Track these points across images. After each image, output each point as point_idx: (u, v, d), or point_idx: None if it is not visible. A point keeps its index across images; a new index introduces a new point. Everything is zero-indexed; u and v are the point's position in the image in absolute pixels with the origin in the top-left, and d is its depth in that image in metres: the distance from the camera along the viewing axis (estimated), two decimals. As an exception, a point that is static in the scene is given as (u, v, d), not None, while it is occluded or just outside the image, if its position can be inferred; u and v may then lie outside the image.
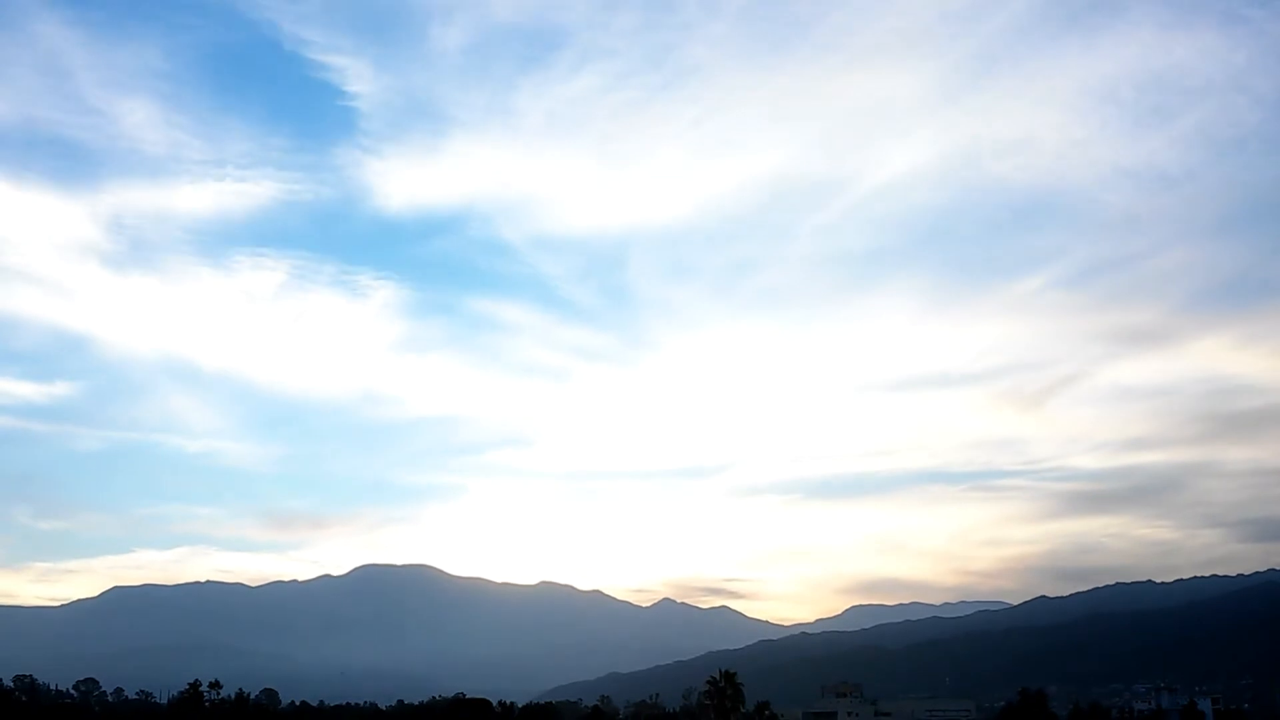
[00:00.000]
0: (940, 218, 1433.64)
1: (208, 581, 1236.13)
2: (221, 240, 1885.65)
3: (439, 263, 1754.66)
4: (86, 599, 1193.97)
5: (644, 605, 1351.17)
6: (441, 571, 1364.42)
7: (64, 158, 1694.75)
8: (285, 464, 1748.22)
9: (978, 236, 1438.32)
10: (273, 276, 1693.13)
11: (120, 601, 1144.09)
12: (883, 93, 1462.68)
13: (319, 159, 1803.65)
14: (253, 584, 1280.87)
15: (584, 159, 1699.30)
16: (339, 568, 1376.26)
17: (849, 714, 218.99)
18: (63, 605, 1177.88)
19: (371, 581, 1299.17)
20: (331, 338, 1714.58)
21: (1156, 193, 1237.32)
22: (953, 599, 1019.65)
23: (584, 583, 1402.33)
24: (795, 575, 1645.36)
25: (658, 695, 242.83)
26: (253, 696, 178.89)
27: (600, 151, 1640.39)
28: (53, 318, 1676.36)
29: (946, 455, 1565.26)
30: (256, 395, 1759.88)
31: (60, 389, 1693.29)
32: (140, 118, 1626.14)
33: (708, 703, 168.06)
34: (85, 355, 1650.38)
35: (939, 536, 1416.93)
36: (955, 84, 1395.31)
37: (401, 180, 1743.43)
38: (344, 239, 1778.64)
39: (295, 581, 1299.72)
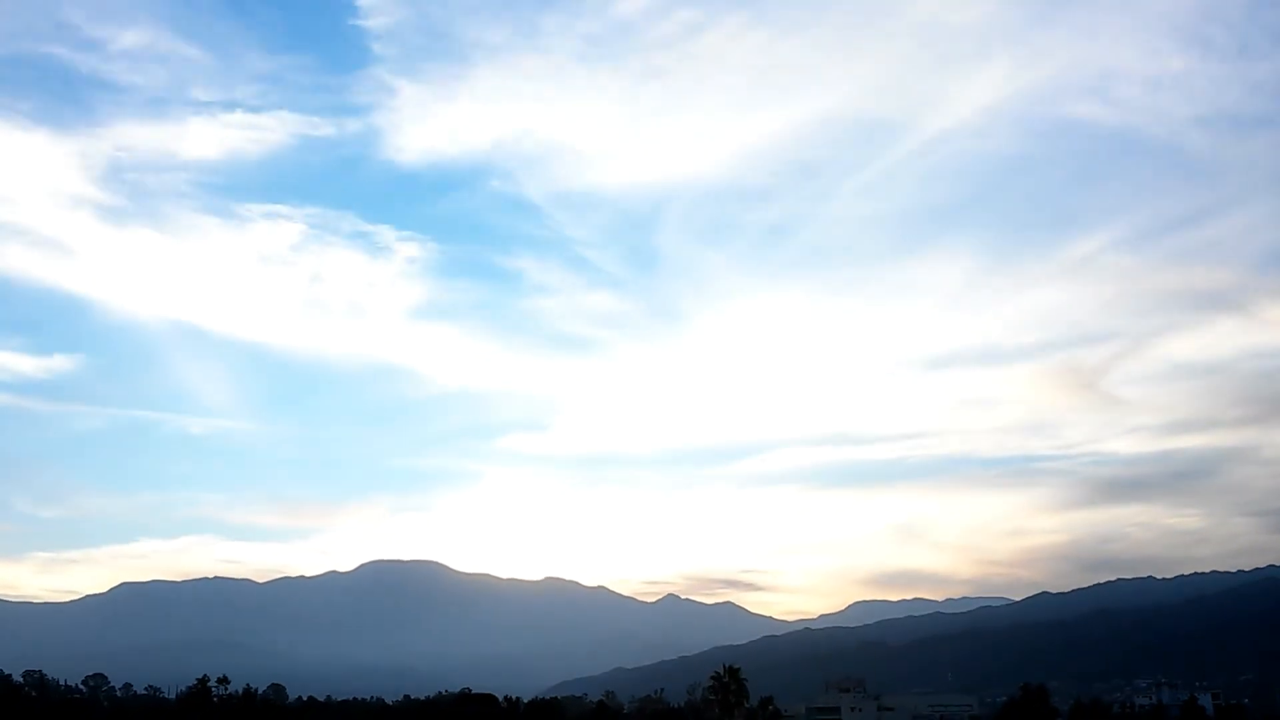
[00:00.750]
0: (999, 167, 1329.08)
1: (215, 577, 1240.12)
2: (231, 190, 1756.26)
3: (459, 220, 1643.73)
4: (95, 594, 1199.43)
5: (649, 601, 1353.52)
6: (448, 567, 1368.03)
7: (56, 94, 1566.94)
8: (296, 445, 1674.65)
9: (1038, 189, 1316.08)
10: (288, 231, 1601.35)
11: (129, 597, 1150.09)
12: (951, 25, 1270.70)
13: (336, 98, 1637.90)
14: (260, 579, 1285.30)
15: (618, 100, 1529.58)
16: (346, 563, 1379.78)
17: (852, 709, 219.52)
18: (72, 601, 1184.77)
19: (378, 577, 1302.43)
20: (349, 301, 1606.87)
21: (1236, 141, 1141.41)
22: (970, 592, 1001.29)
23: (589, 579, 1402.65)
24: (809, 568, 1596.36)
25: (662, 690, 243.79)
26: (260, 692, 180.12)
27: (635, 94, 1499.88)
28: (45, 279, 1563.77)
29: (979, 440, 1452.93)
30: (268, 366, 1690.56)
31: (58, 363, 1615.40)
32: (140, 47, 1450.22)
33: (712, 698, 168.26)
34: (83, 322, 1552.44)
35: (960, 527, 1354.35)
36: (1028, 16, 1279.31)
37: (421, 128, 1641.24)
38: (362, 190, 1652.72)
39: (303, 577, 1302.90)
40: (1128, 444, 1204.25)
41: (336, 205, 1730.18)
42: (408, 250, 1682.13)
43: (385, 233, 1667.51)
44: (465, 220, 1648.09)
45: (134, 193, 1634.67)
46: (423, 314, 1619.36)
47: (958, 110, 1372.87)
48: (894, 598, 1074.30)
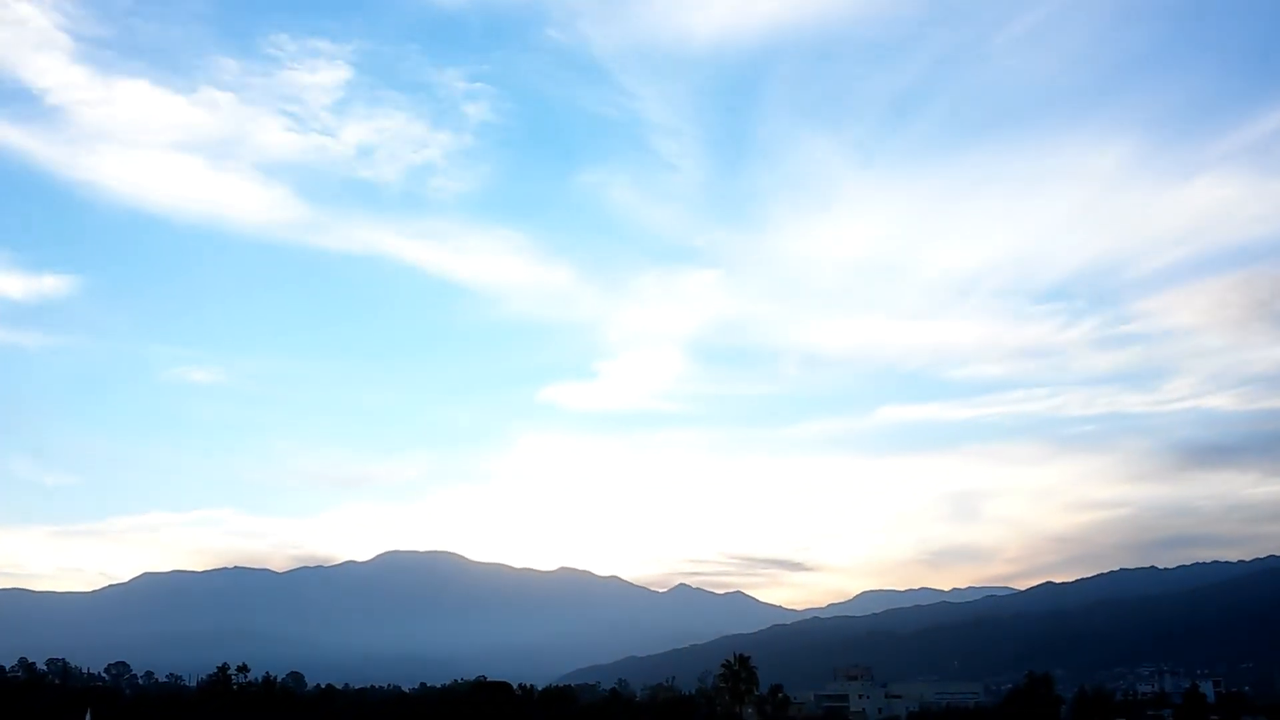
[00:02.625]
0: (1190, 9, 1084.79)
1: (235, 567, 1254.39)
2: (251, 10, 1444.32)
3: (507, 77, 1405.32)
4: (118, 584, 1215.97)
5: (660, 590, 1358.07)
6: (463, 557, 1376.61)
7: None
8: (328, 390, 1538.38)
9: (1229, 43, 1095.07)
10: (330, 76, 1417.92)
11: (150, 587, 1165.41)
12: None
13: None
14: (279, 570, 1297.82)
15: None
16: (364, 553, 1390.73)
17: (860, 696, 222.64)
18: (95, 591, 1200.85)
19: (395, 567, 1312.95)
20: (399, 183, 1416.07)
21: None
22: (1020, 569, 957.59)
23: (602, 568, 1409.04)
24: (856, 545, 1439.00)
25: (673, 678, 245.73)
26: (279, 680, 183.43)
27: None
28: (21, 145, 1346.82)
29: (1067, 394, 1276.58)
30: (302, 271, 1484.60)
31: (49, 284, 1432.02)
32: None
33: (723, 685, 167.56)
34: (73, 216, 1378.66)
35: (1018, 498, 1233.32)
36: None
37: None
38: (419, 19, 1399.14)
39: (321, 567, 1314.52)
40: (1232, 400, 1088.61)
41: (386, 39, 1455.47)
42: (473, 111, 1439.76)
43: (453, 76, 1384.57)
44: (513, 80, 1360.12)
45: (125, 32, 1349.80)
46: (475, 215, 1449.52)
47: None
48: (909, 586, 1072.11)
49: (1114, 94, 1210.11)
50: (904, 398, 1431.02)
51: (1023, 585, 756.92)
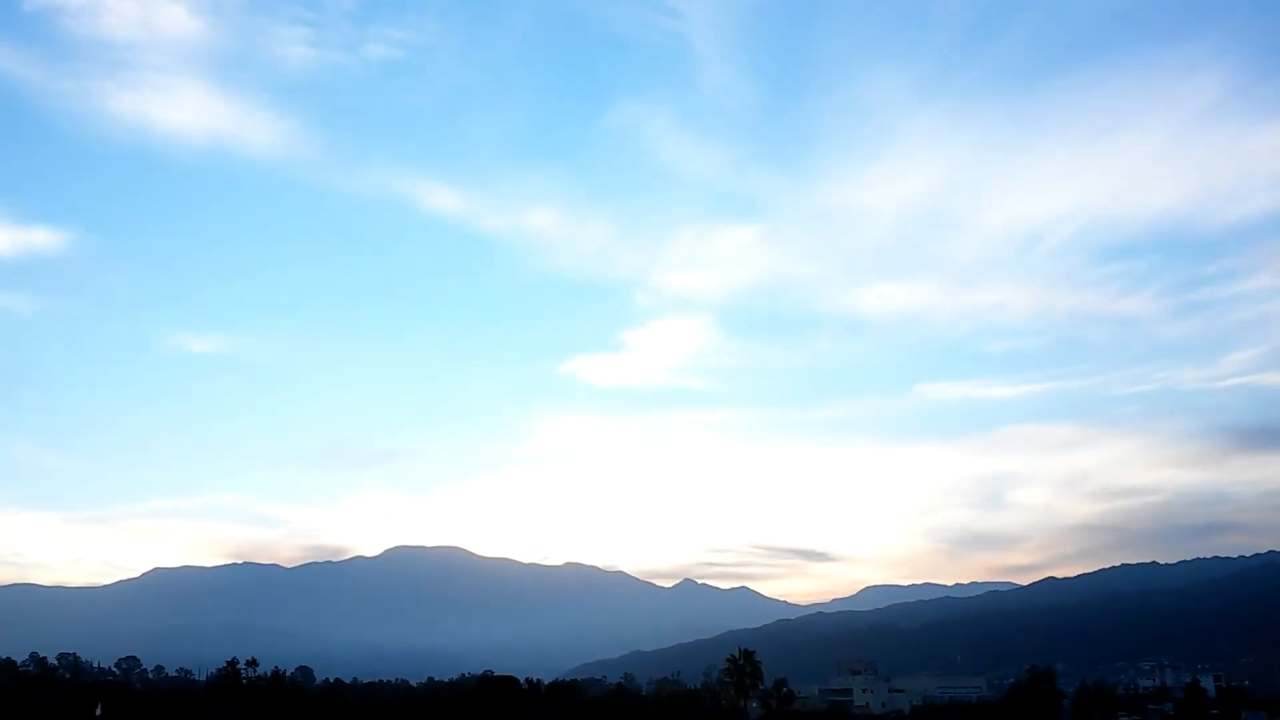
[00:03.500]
0: None
1: (244, 563, 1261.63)
2: None
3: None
4: (129, 580, 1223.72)
5: (666, 586, 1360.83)
6: (470, 553, 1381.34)
7: None
8: (338, 360, 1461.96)
9: None
10: None
11: (161, 582, 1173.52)
12: None
13: None
14: (288, 565, 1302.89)
15: None
16: (372, 549, 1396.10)
17: (864, 691, 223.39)
18: (105, 586, 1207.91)
19: (403, 563, 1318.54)
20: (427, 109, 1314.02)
21: None
22: (1046, 558, 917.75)
23: (607, 563, 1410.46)
24: (880, 534, 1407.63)
25: (679, 673, 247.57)
26: (288, 674, 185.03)
27: None
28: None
29: (1115, 370, 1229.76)
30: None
31: (41, 239, 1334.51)
32: None
33: (728, 680, 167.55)
34: (64, 152, 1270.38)
35: (1046, 485, 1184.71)
36: None
37: None
38: None
39: (329, 563, 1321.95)
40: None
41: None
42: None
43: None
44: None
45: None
46: (498, 152, 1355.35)
47: None
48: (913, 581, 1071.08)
49: (1211, 17, 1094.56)
50: (942, 373, 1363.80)
51: (1026, 580, 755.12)
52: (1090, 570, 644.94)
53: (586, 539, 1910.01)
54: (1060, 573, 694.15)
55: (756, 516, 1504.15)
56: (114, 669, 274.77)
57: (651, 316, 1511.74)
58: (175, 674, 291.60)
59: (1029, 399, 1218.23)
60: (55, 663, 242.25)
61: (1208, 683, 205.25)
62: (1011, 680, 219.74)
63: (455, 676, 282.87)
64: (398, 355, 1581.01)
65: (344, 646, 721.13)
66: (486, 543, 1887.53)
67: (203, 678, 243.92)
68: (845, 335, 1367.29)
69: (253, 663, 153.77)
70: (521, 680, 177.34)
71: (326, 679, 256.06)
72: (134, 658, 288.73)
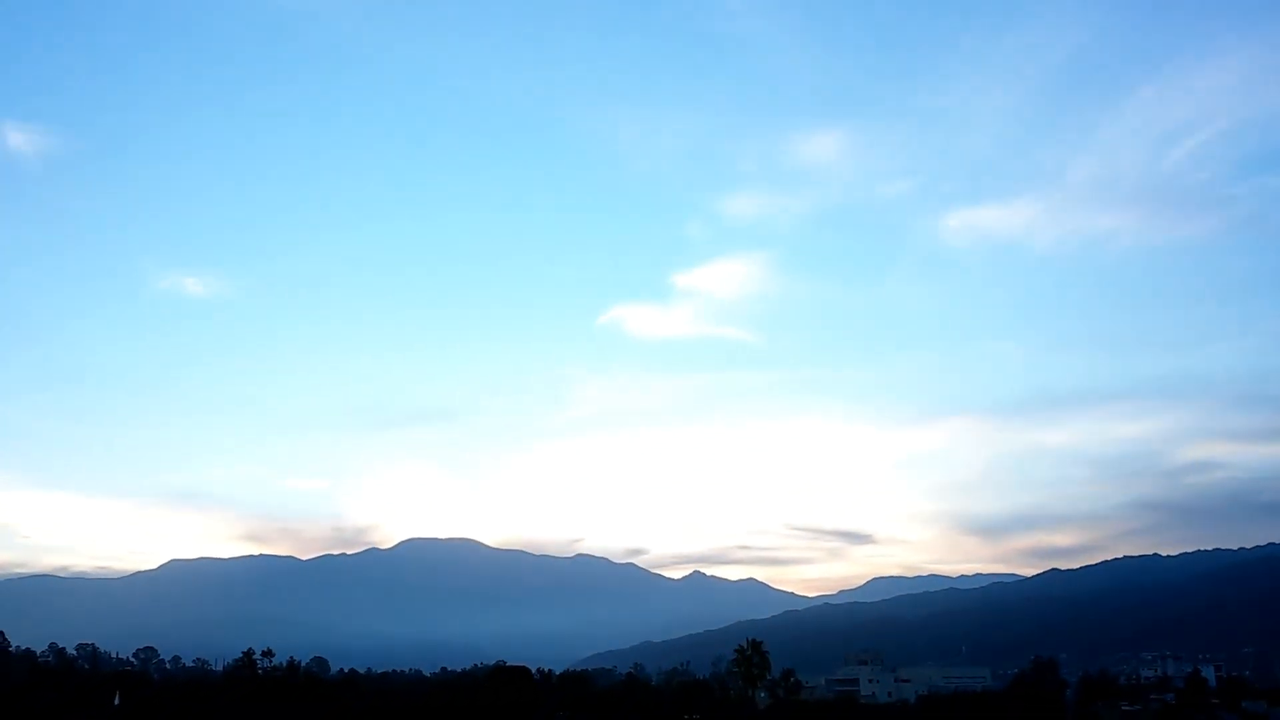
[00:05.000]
0: None
1: (260, 555, 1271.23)
2: None
3: None
4: (146, 571, 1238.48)
5: (675, 577, 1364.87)
6: (482, 544, 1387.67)
7: None
8: (357, 303, 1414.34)
9: None
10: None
11: (178, 573, 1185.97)
12: None
13: None
14: (303, 557, 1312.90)
15: None
16: (386, 541, 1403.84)
17: (870, 681, 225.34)
18: (123, 577, 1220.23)
19: (416, 554, 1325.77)
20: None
21: None
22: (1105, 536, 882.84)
23: (618, 555, 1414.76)
24: (924, 515, 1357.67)
25: (688, 663, 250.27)
26: (303, 665, 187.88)
27: None
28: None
29: (1210, 303, 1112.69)
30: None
31: (53, 141, 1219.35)
32: None
33: (736, 670, 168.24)
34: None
35: (1109, 461, 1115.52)
36: None
37: None
38: None
39: (344, 555, 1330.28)
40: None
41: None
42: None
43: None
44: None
45: None
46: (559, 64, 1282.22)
47: None
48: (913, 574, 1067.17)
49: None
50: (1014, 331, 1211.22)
51: (1031, 571, 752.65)
52: (1093, 562, 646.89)
53: (600, 528, 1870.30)
54: (1076, 563, 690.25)
55: (799, 495, 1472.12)
56: (132, 659, 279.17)
57: (710, 253, 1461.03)
58: (192, 664, 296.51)
59: (1105, 372, 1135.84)
60: (74, 653, 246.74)
61: (1209, 673, 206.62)
62: (1016, 670, 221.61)
63: (468, 667, 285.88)
64: (427, 303, 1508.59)
65: (358, 638, 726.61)
66: (497, 534, 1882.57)
67: (219, 668, 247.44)
68: (925, 268, 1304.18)
69: (269, 653, 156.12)
70: (533, 670, 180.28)
71: (341, 669, 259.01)
72: (152, 648, 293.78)
